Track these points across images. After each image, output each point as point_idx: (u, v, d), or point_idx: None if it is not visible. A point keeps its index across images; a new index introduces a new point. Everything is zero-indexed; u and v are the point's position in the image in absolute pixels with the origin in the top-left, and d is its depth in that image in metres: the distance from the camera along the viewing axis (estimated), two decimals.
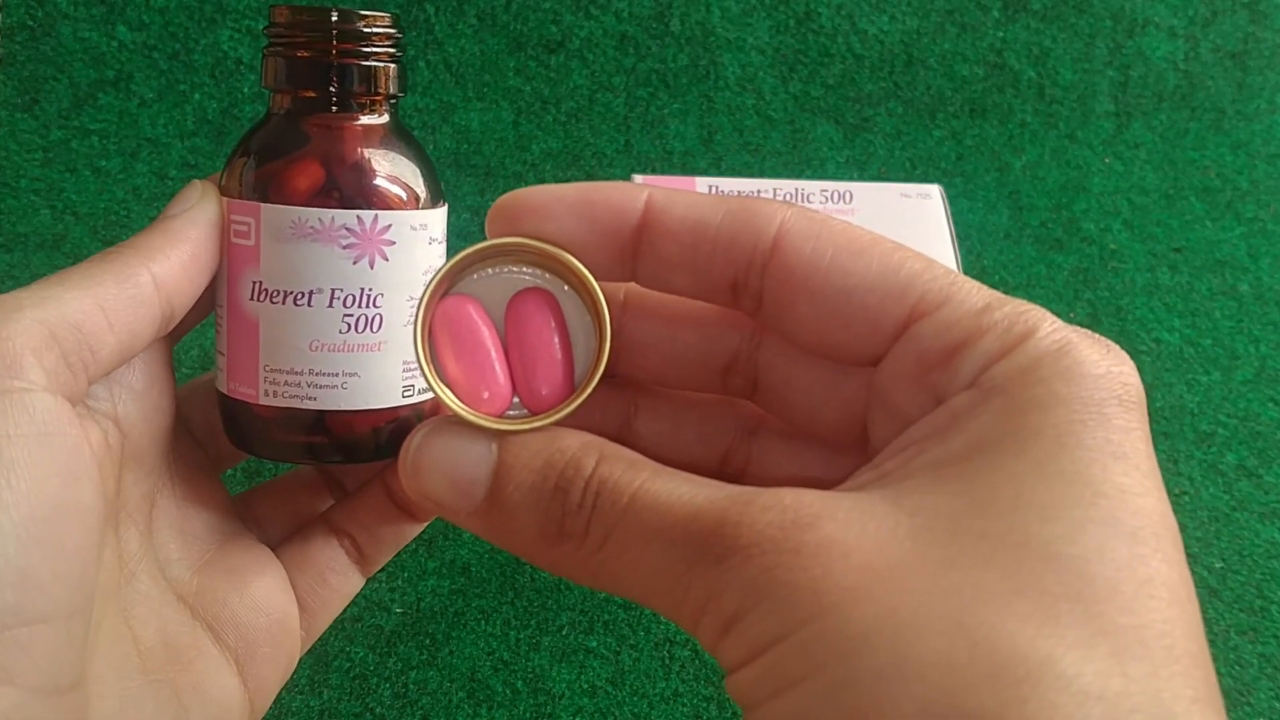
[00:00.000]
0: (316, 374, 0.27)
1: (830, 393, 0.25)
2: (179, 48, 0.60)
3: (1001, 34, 0.66)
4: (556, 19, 0.63)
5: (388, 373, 0.28)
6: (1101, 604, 0.18)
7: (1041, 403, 0.20)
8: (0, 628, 0.20)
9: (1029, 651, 0.17)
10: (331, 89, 0.28)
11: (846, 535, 0.19)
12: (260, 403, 0.28)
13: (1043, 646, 0.17)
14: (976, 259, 0.60)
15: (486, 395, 0.23)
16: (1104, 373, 0.20)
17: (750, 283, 0.23)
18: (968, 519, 0.19)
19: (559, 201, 0.24)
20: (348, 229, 0.27)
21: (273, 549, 0.30)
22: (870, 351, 0.23)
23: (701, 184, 0.51)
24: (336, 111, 0.28)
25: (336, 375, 0.28)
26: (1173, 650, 0.18)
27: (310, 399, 0.28)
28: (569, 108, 0.62)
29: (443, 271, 0.24)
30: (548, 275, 0.25)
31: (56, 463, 0.22)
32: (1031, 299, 0.62)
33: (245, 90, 0.60)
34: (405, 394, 0.29)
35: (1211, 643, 0.20)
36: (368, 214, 0.27)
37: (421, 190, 0.28)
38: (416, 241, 0.28)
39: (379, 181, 0.28)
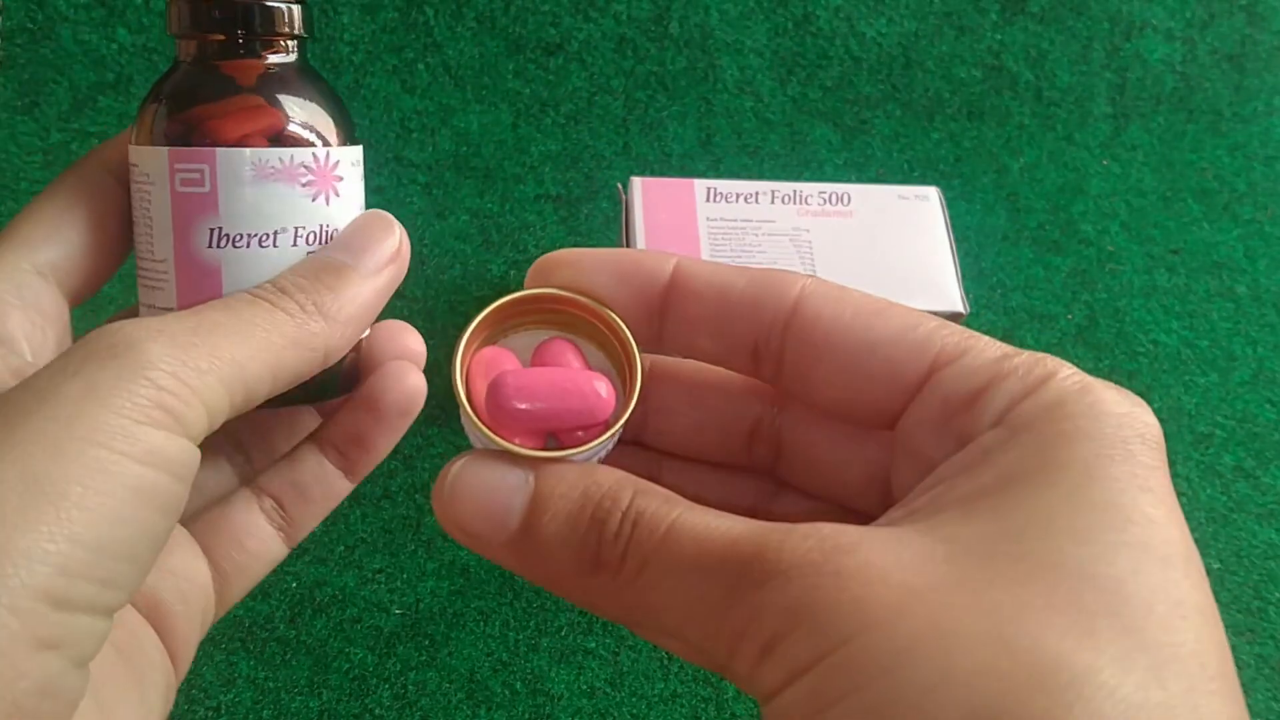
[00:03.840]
0: None
1: (852, 455, 0.26)
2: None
3: (999, 36, 0.66)
4: (555, 21, 0.63)
5: None
6: (1138, 620, 0.18)
7: (1069, 437, 0.21)
8: (75, 610, 0.21)
9: (1070, 661, 0.18)
10: (239, 31, 0.28)
11: (884, 559, 0.20)
12: None
13: (1083, 658, 0.18)
14: (974, 261, 0.60)
15: (518, 441, 0.24)
16: (1125, 412, 0.21)
17: (771, 345, 0.24)
18: (1002, 544, 0.20)
19: (595, 261, 0.25)
20: (305, 166, 0.28)
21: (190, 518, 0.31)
22: (891, 407, 0.24)
23: (700, 186, 0.51)
24: (245, 55, 0.28)
25: None
26: (1207, 669, 0.18)
27: None
28: (568, 110, 0.62)
29: (482, 316, 0.25)
30: (575, 338, 0.26)
31: (172, 501, 0.23)
32: (1029, 301, 0.62)
33: None
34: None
35: None
36: (321, 150, 0.28)
37: (348, 128, 0.29)
38: (356, 176, 0.29)
39: (319, 120, 0.28)
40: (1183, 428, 0.55)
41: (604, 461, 0.25)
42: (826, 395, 0.24)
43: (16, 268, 0.27)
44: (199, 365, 0.23)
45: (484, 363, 0.25)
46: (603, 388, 0.24)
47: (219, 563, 0.30)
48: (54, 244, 0.27)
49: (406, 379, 0.30)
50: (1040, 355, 0.22)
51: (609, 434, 0.24)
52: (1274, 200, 0.66)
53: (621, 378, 0.25)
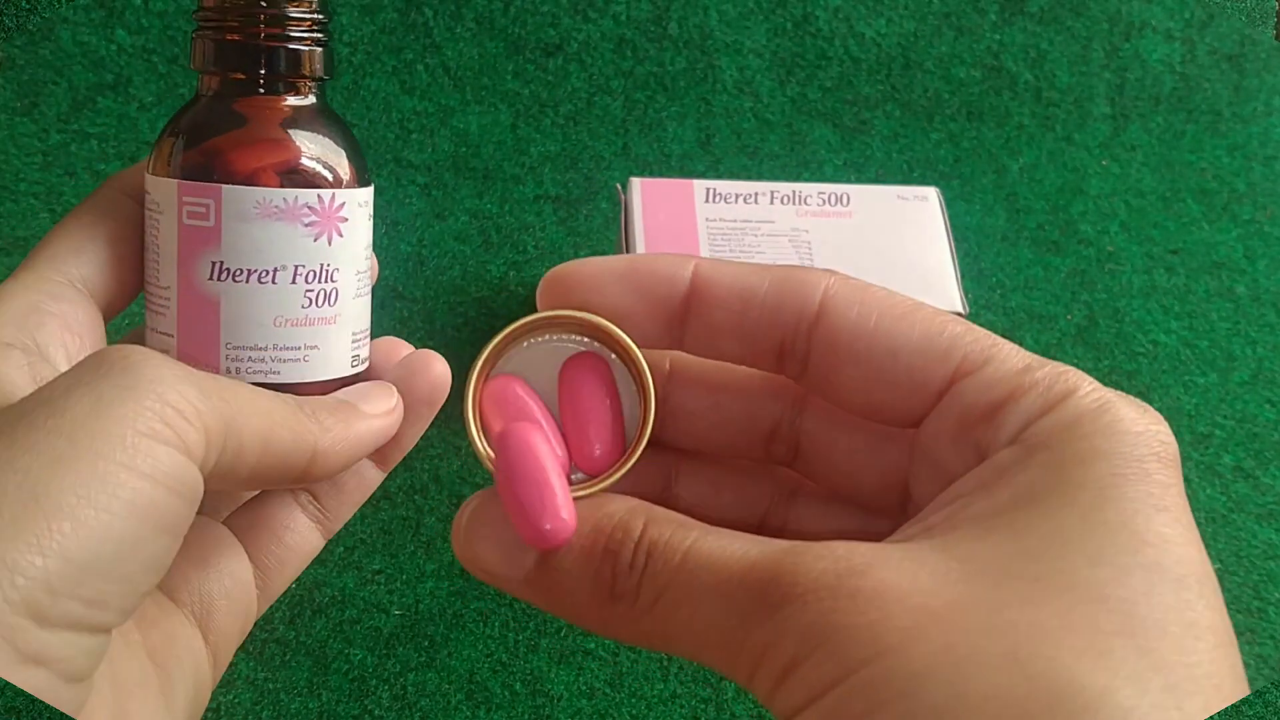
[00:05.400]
0: (280, 349, 0.29)
1: (872, 456, 0.26)
2: (178, 51, 0.60)
3: (998, 37, 0.66)
4: (555, 22, 0.63)
5: (341, 343, 0.30)
6: (1152, 642, 0.19)
7: (1084, 457, 0.21)
8: (60, 628, 0.21)
9: (1086, 683, 0.18)
10: (261, 71, 0.28)
11: (900, 580, 0.20)
12: None
13: (1099, 679, 0.18)
14: (974, 261, 0.60)
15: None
16: (1142, 430, 0.21)
17: (797, 347, 0.24)
18: (1018, 564, 0.20)
19: (609, 273, 0.25)
20: (309, 207, 0.28)
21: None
22: (914, 412, 0.24)
23: (699, 186, 0.51)
24: (265, 93, 0.29)
25: (299, 349, 0.29)
26: (1220, 690, 0.19)
27: (274, 373, 0.29)
28: (567, 111, 0.62)
29: (494, 343, 0.25)
30: (596, 344, 0.26)
31: (170, 519, 0.22)
32: (1029, 301, 0.62)
33: None
34: (354, 364, 0.30)
35: None
36: (326, 192, 0.29)
37: (360, 169, 0.30)
38: (363, 217, 0.30)
39: (329, 161, 0.29)
40: (1182, 428, 0.55)
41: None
42: (851, 399, 0.25)
43: (50, 279, 0.27)
44: (206, 389, 0.23)
45: (495, 398, 0.26)
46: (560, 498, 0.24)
47: (258, 558, 0.30)
48: (83, 258, 0.28)
49: (431, 368, 0.30)
50: (1062, 369, 0.22)
51: (621, 472, 0.24)
52: (1274, 200, 0.66)
53: (641, 397, 0.25)
